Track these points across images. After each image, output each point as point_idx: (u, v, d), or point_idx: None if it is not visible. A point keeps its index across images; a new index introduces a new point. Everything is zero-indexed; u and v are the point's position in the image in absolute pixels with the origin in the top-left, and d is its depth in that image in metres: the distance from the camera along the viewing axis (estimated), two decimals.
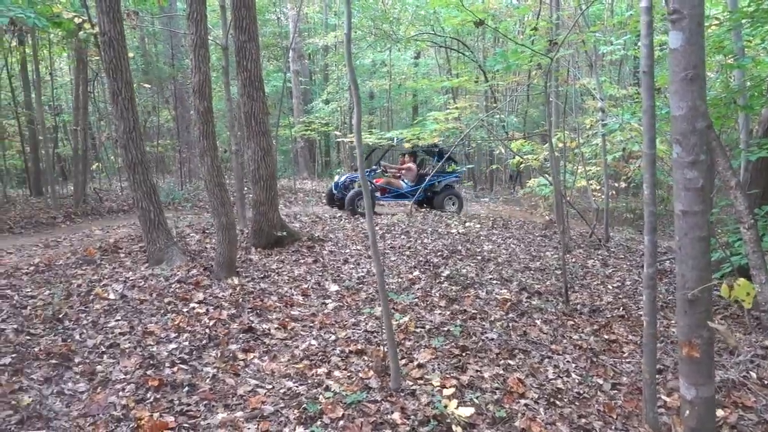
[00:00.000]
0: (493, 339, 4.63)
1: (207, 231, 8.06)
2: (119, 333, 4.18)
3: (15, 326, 4.11)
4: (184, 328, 4.34)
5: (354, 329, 4.65)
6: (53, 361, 3.66)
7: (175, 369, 3.70)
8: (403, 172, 12.15)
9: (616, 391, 3.96)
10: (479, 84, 6.98)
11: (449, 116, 5.73)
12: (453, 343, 4.41)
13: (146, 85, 13.36)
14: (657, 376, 3.69)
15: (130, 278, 5.44)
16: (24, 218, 9.37)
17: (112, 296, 4.93)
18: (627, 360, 4.53)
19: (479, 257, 7.43)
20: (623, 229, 12.45)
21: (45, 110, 11.31)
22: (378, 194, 11.57)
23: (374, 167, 12.33)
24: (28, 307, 4.56)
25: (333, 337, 4.44)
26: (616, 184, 12.94)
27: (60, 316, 4.38)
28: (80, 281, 5.36)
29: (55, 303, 4.59)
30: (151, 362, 3.77)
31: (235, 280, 5.51)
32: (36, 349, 3.80)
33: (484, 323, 5.02)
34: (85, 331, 4.18)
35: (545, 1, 15.57)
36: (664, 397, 3.83)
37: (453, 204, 12.01)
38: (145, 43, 15.87)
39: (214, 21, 13.80)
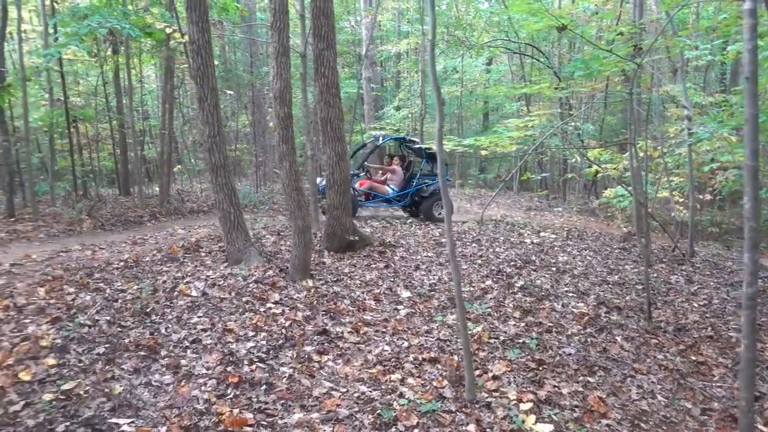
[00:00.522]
0: (570, 354, 4.47)
1: (282, 233, 8.27)
2: (201, 329, 4.35)
3: (108, 318, 4.36)
4: (262, 327, 4.46)
5: (427, 337, 4.62)
6: (142, 353, 3.86)
7: (254, 367, 3.80)
8: (389, 175, 11.09)
9: (706, 417, 3.72)
10: (559, 91, 6.76)
11: (528, 123, 5.57)
12: (529, 356, 4.29)
13: (229, 92, 13.92)
14: (754, 403, 3.44)
15: (211, 277, 5.65)
16: (114, 216, 9.97)
17: (194, 293, 5.14)
18: (718, 384, 4.25)
19: (554, 268, 7.21)
20: (708, 244, 11.73)
21: (134, 115, 12.01)
22: (362, 199, 10.61)
23: (357, 171, 11.32)
24: (119, 301, 4.83)
25: (406, 344, 4.43)
26: (701, 196, 12.23)
27: (147, 310, 4.61)
28: (165, 278, 5.62)
29: (143, 298, 4.84)
30: (231, 359, 3.89)
31: (310, 283, 5.61)
32: (126, 341, 4.01)
33: (560, 337, 4.85)
34: (170, 325, 4.38)
35: (627, 4, 15.00)
36: (761, 427, 3.56)
37: (440, 212, 10.74)
38: (226, 51, 16.56)
39: (292, 30, 14.23)
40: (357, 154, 12.13)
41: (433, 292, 5.83)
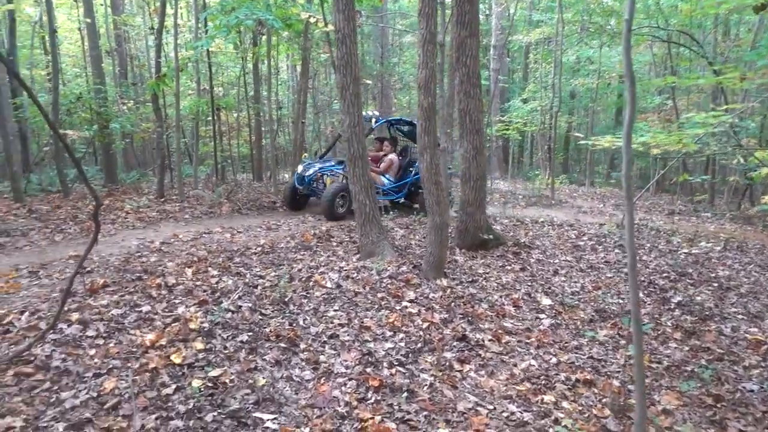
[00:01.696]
0: (752, 391, 3.81)
1: (410, 226, 8.10)
2: (338, 324, 4.25)
3: (250, 305, 4.40)
4: (399, 327, 4.27)
5: (577, 353, 4.18)
6: (282, 345, 3.82)
7: (393, 371, 3.62)
8: (383, 165, 9.68)
9: None
10: (746, 82, 5.84)
11: (719, 118, 4.78)
12: (703, 389, 3.71)
13: (368, 81, 14.03)
14: None
15: (344, 268, 5.59)
16: (249, 201, 10.39)
17: (329, 284, 5.09)
18: None
19: (715, 284, 6.35)
20: None
21: (269, 104, 12.49)
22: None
23: (342, 160, 9.59)
24: (259, 287, 4.89)
25: (554, 360, 4.03)
26: None
27: (285, 299, 4.61)
28: (300, 266, 5.64)
29: (281, 286, 4.86)
30: (370, 359, 3.74)
31: (444, 282, 5.35)
32: (267, 330, 4.01)
33: (736, 368, 4.18)
34: (307, 317, 4.33)
35: None
36: None
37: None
38: (359, 41, 16.78)
39: None
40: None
41: (577, 302, 5.33)
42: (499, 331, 4.43)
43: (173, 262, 5.61)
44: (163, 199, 9.81)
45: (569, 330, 4.65)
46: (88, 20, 10.63)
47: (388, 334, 4.16)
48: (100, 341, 3.61)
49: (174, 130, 10.43)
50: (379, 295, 4.91)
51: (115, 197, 10.01)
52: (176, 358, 3.41)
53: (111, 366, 3.28)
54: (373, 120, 9.52)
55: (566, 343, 4.36)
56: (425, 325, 4.36)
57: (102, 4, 16.23)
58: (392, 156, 9.77)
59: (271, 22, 8.22)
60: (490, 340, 4.25)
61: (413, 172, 9.32)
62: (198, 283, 4.87)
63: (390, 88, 16.23)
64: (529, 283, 5.79)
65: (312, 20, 7.75)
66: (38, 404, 2.88)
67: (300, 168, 9.23)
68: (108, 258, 5.79)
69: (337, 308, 4.57)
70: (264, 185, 12.90)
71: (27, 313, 3.97)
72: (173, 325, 3.89)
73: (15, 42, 10.89)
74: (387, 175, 9.61)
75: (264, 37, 11.60)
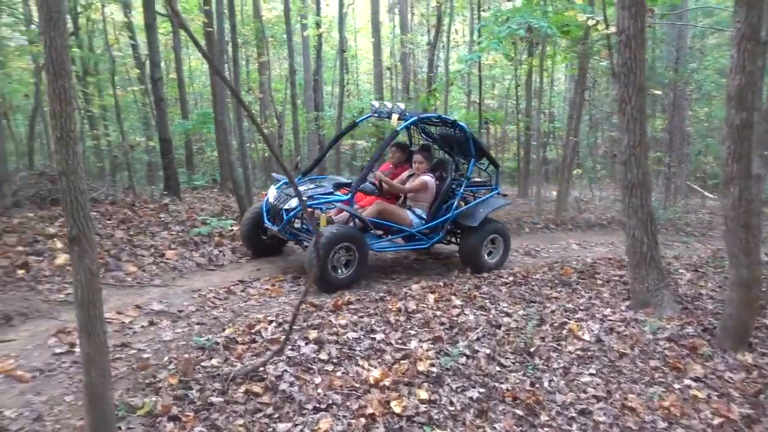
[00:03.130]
0: None
1: (700, 269, 6.55)
2: (593, 395, 3.41)
3: (488, 351, 3.85)
4: (677, 416, 3.23)
5: None
6: (518, 412, 3.17)
7: None
8: (414, 186, 5.95)
9: None
10: None
11: None
12: None
13: (656, 92, 12.31)
14: None
15: (608, 318, 4.63)
16: (512, 219, 9.85)
17: (586, 336, 4.23)
18: None
19: None
20: None
21: (541, 117, 11.77)
22: (372, 232, 5.79)
23: (347, 183, 6.13)
24: (502, 328, 4.30)
25: None
26: None
27: (531, 350, 3.93)
28: (554, 307, 4.87)
29: (527, 331, 4.19)
30: None
31: (748, 358, 3.99)
32: (503, 387, 3.41)
33: None
34: (554, 379, 3.59)
35: None
36: None
37: (492, 252, 6.26)
38: (650, 46, 14.79)
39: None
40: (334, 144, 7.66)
41: None
42: None
43: (418, 284, 5.40)
44: None
45: None
46: (373, 40, 11.45)
47: (661, 424, 3.15)
48: (329, 367, 3.50)
49: None
50: (652, 363, 3.86)
51: None
52: (396, 407, 3.06)
53: (331, 401, 3.10)
54: (395, 117, 5.84)
55: None
56: (716, 420, 3.21)
57: (393, 25, 17.62)
58: (426, 178, 5.93)
59: (545, 29, 7.56)
60: None
61: (453, 204, 6.03)
62: (438, 312, 4.52)
63: (685, 98, 13.87)
64: None
65: (591, 23, 6.84)
66: (256, 431, 2.81)
67: (271, 192, 5.91)
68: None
69: (594, 372, 3.71)
70: (527, 202, 12.22)
71: (275, 324, 4.12)
72: (402, 362, 3.58)
73: (320, 63, 12.42)
74: (416, 208, 5.97)
75: (540, 47, 10.94)
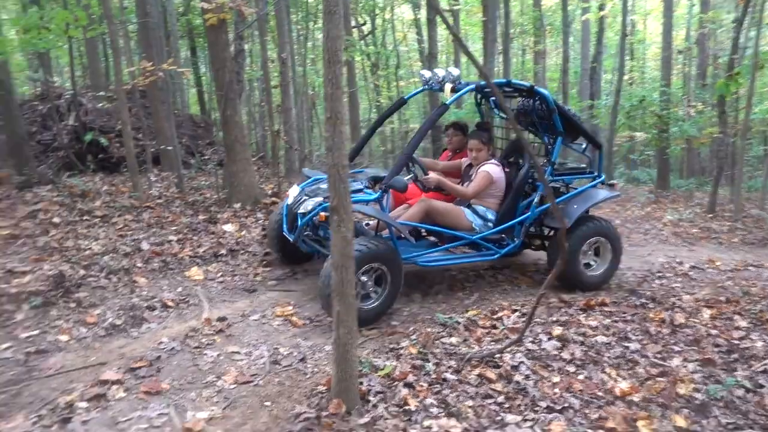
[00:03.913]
0: None
1: None
2: None
3: None
4: None
5: None
6: None
7: None
8: (471, 185, 4.47)
9: None
10: None
11: None
12: None
13: None
14: None
15: None
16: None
17: None
18: None
19: None
20: None
21: None
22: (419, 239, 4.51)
23: (380, 177, 4.45)
24: None
25: None
26: None
27: None
28: None
29: None
30: None
31: None
32: None
33: None
34: None
35: None
36: None
37: (593, 263, 4.69)
38: None
39: None
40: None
41: None
42: None
43: (693, 295, 4.66)
44: (711, 215, 8.52)
45: None
46: (664, 20, 10.19)
47: None
48: (571, 368, 3.27)
49: (741, 136, 8.81)
50: None
51: (659, 205, 9.40)
52: (644, 428, 2.69)
53: (568, 404, 2.88)
54: (448, 87, 4.48)
55: None
56: None
57: (692, 3, 15.43)
58: (489, 168, 4.56)
59: None
60: None
61: (537, 198, 4.57)
62: (713, 332, 3.84)
63: None
64: None
65: None
66: (483, 417, 2.78)
67: (292, 192, 4.68)
68: (625, 272, 5.35)
69: None
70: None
71: (518, 313, 4.02)
72: (658, 379, 3.14)
73: (601, 49, 11.64)
74: (479, 206, 4.58)
75: None
